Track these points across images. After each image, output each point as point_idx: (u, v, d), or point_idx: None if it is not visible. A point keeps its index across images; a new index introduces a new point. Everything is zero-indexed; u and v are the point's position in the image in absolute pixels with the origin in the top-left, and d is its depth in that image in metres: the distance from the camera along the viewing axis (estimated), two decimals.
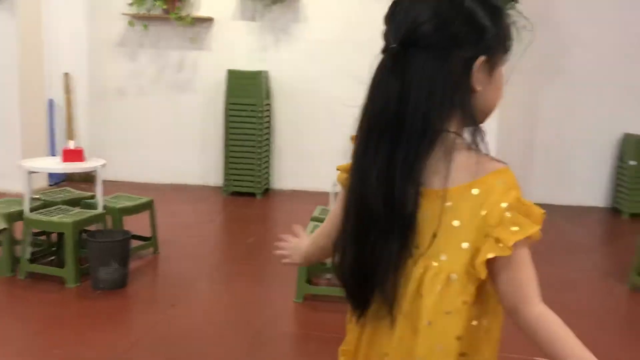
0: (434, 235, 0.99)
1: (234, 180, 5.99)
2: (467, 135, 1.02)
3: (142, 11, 6.07)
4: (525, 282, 0.99)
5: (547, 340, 0.97)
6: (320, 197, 3.74)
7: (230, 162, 5.97)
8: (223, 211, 5.70)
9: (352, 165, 1.07)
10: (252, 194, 5.95)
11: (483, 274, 0.96)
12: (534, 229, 0.96)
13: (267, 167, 6.16)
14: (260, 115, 5.86)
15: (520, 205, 0.97)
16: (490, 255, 0.95)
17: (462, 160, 0.99)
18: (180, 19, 5.93)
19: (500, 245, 0.95)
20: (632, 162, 5.60)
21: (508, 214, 0.95)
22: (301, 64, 6.13)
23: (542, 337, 0.97)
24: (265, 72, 6.01)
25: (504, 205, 0.96)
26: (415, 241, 1.00)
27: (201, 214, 5.40)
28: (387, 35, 1.03)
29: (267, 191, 6.20)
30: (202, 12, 6.09)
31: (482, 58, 1.00)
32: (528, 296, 0.99)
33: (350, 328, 1.14)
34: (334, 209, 1.20)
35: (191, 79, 6.29)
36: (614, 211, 5.87)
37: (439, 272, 0.99)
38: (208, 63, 6.21)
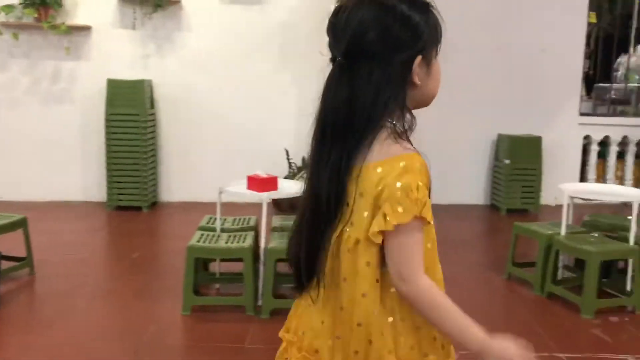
0: (348, 205, 1.13)
1: (118, 194, 5.75)
2: (399, 125, 1.13)
3: (12, 19, 5.71)
4: (411, 257, 1.11)
5: (431, 308, 1.11)
6: (210, 207, 3.66)
7: (113, 175, 5.72)
8: (107, 227, 5.45)
9: (309, 168, 1.19)
10: (138, 208, 5.73)
11: (378, 240, 1.11)
12: (414, 214, 1.08)
13: (153, 179, 5.97)
14: (144, 125, 5.68)
15: (410, 189, 1.07)
16: (377, 229, 1.09)
17: (380, 144, 1.11)
18: (53, 27, 5.63)
19: (388, 219, 1.08)
20: (506, 161, 5.96)
21: (398, 193, 1.07)
22: (186, 73, 6.01)
23: (427, 306, 1.11)
24: (149, 81, 5.84)
25: (397, 185, 1.08)
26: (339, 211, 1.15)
27: (82, 230, 5.13)
28: (331, 47, 1.13)
29: (154, 204, 6.00)
30: (78, 21, 5.82)
31: (419, 57, 1.12)
32: (414, 269, 1.11)
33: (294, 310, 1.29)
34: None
35: (69, 89, 5.97)
36: (492, 208, 6.21)
37: (348, 237, 1.13)
38: (86, 73, 5.93)
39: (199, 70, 6.00)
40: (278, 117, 6.11)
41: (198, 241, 3.40)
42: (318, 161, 1.16)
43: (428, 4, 1.14)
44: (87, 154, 6.02)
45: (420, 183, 1.09)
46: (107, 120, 5.66)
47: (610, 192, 3.90)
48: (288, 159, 5.78)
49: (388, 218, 1.07)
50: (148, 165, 5.76)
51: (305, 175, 1.22)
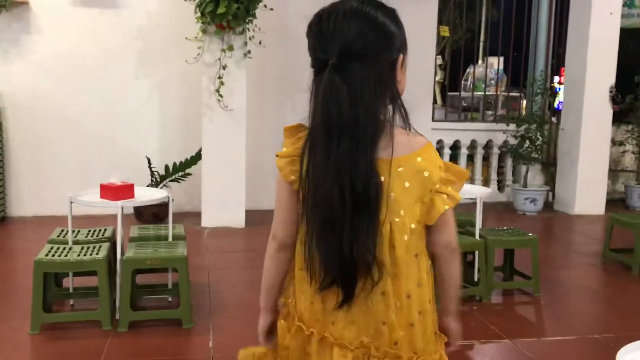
0: (393, 195, 1.24)
1: None
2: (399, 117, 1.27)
3: None
4: (455, 231, 1.34)
5: (459, 273, 1.38)
6: (65, 221, 3.44)
7: None
8: None
9: (313, 165, 1.24)
10: None
11: (434, 221, 1.29)
12: (462, 186, 1.31)
13: (1, 193, 5.53)
14: None
15: (449, 166, 1.30)
16: (447, 207, 1.28)
17: (401, 137, 1.26)
18: None
19: (446, 197, 1.27)
20: None
21: (444, 174, 1.28)
22: (36, 79, 5.66)
23: (459, 272, 1.38)
24: None
25: (440, 166, 1.29)
26: (383, 204, 1.23)
27: None
28: (317, 51, 1.25)
29: (2, 219, 5.56)
30: None
31: (401, 56, 1.28)
32: (455, 241, 1.35)
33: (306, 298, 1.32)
34: (280, 201, 1.34)
35: None
36: None
37: (403, 224, 1.26)
38: None
39: (51, 76, 5.67)
40: (139, 124, 5.92)
41: (47, 254, 3.19)
42: (327, 159, 1.21)
43: (396, 13, 1.31)
44: None
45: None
46: None
47: None
48: (150, 167, 5.60)
49: (445, 196, 1.27)
50: None
51: (305, 180, 1.26)
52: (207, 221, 5.50)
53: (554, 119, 7.36)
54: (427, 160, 1.27)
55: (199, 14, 5.12)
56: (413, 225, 1.27)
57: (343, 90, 1.20)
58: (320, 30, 1.24)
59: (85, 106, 5.79)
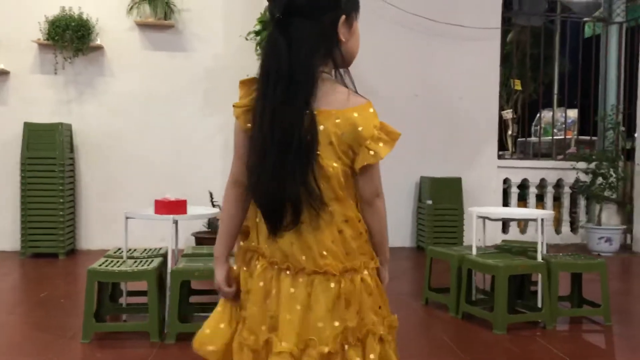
0: (330, 143, 1.35)
1: (33, 240, 5.50)
2: (337, 75, 1.41)
3: None
4: (380, 178, 1.43)
5: (383, 222, 1.48)
6: None
7: (28, 222, 5.49)
8: (16, 271, 5.16)
9: (257, 107, 1.36)
10: (55, 255, 5.50)
11: (357, 170, 1.38)
12: (393, 146, 1.38)
13: (71, 226, 5.76)
14: (61, 169, 5.53)
15: (384, 126, 1.39)
16: (367, 162, 1.36)
17: (341, 94, 1.37)
18: None
19: (372, 153, 1.36)
20: (428, 202, 6.06)
21: (376, 133, 1.36)
22: (108, 118, 5.96)
23: (383, 220, 1.48)
24: (68, 125, 5.73)
25: (375, 124, 1.37)
26: (319, 148, 1.34)
27: None
28: (271, 10, 1.36)
29: (72, 252, 5.77)
30: None
31: (343, 17, 1.37)
32: (380, 191, 1.45)
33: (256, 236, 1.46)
34: (237, 147, 1.46)
35: None
36: (418, 249, 6.24)
37: (337, 168, 1.36)
38: (3, 118, 5.79)
39: (122, 115, 5.97)
40: (204, 160, 6.08)
41: (101, 265, 3.27)
42: (264, 99, 1.34)
43: None
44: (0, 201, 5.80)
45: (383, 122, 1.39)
46: (23, 164, 5.50)
47: (516, 212, 3.99)
48: (212, 202, 5.71)
49: (372, 152, 1.35)
50: (65, 211, 5.57)
51: (254, 115, 1.37)
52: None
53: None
54: (362, 117, 1.36)
55: (259, 51, 5.30)
56: (346, 170, 1.38)
57: (282, 42, 1.33)
58: None
59: (153, 144, 6.03)
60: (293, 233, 1.39)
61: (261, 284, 1.43)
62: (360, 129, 1.35)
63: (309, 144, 1.33)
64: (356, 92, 1.40)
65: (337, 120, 1.35)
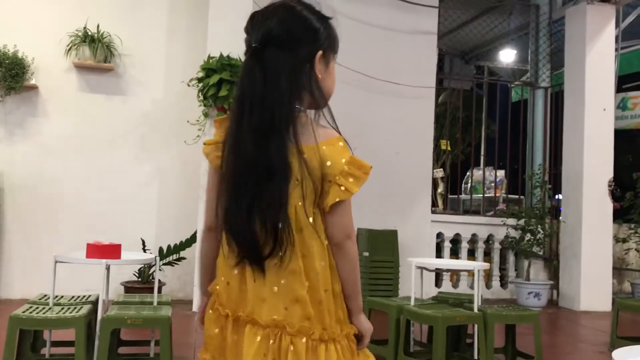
0: (298, 180, 1.30)
1: None
2: (311, 114, 1.37)
3: None
4: (351, 218, 1.36)
5: (356, 260, 1.38)
6: None
7: None
8: None
9: (229, 138, 1.33)
10: None
11: (327, 208, 1.33)
12: (364, 180, 1.34)
13: None
14: None
15: (354, 160, 1.34)
16: (338, 199, 1.31)
17: (313, 127, 1.33)
18: None
19: (343, 189, 1.31)
20: (365, 253, 6.08)
21: (346, 167, 1.32)
22: (38, 160, 5.73)
23: (354, 265, 1.37)
24: None
25: (343, 160, 1.33)
26: (289, 186, 1.29)
27: None
28: (248, 41, 1.35)
29: None
30: None
31: (320, 52, 1.36)
32: (352, 233, 1.37)
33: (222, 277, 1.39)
34: (208, 191, 1.45)
35: None
36: None
37: (305, 208, 1.31)
38: None
39: (53, 158, 5.76)
40: (138, 207, 5.91)
41: (25, 312, 3.06)
42: (238, 131, 1.31)
43: (328, 17, 1.40)
44: None
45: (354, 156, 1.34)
46: None
47: (453, 263, 4.06)
48: (144, 249, 5.52)
49: (343, 188, 1.30)
50: None
51: (227, 147, 1.34)
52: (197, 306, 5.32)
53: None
54: (331, 151, 1.33)
55: (201, 97, 5.28)
56: (315, 210, 1.33)
57: (258, 71, 1.31)
58: (252, 22, 1.37)
59: (85, 189, 5.82)
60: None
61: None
62: (328, 163, 1.31)
63: (281, 176, 1.29)
64: (337, 128, 1.38)
65: (305, 155, 1.31)
